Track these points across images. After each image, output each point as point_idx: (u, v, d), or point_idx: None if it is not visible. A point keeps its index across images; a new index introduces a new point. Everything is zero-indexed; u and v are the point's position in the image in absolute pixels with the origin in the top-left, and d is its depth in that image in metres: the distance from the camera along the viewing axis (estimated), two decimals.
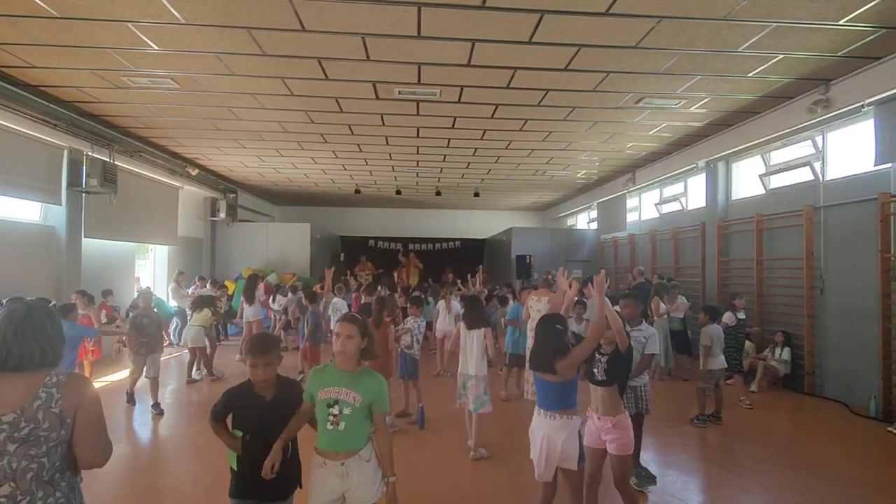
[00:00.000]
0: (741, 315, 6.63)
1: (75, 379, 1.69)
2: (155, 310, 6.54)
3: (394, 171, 11.58)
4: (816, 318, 6.82)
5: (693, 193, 10.06)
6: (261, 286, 9.83)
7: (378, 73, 5.92)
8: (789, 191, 7.52)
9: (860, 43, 5.02)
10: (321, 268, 13.90)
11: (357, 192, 13.89)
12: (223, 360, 8.46)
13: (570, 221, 17.13)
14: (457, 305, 8.10)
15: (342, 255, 15.45)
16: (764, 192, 8.07)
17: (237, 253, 13.28)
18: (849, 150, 6.66)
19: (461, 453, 4.54)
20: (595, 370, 3.18)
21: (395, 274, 14.50)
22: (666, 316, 7.57)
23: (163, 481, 4.14)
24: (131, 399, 5.99)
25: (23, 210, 7.36)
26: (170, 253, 11.37)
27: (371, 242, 16.25)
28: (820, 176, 6.96)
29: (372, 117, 7.63)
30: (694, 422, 5.46)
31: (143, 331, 5.90)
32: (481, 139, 8.87)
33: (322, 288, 8.59)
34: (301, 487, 2.42)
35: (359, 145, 9.32)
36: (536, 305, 5.77)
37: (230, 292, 11.25)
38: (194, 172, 10.66)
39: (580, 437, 2.94)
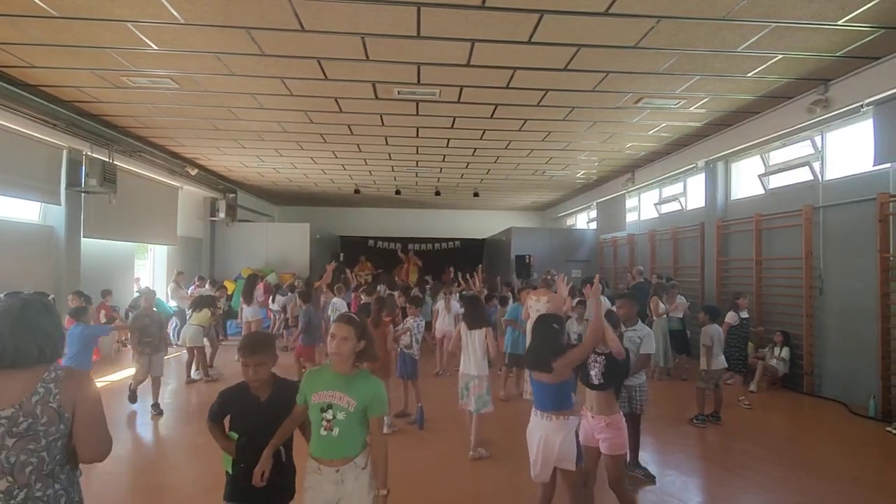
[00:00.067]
0: (744, 314, 6.57)
1: (74, 374, 1.70)
2: (154, 309, 6.53)
3: (393, 171, 11.58)
4: (815, 317, 6.82)
5: (692, 193, 10.07)
6: (260, 286, 9.83)
7: (377, 73, 5.92)
8: (788, 191, 7.52)
9: (859, 43, 5.03)
10: (320, 268, 13.93)
11: (356, 192, 13.89)
12: (223, 360, 8.46)
13: (569, 221, 17.13)
14: (456, 305, 8.10)
15: (341, 254, 15.45)
16: (763, 192, 8.08)
17: (237, 253, 13.27)
18: (848, 150, 6.67)
19: (460, 453, 4.54)
20: (592, 372, 3.17)
21: (394, 273, 14.51)
22: (665, 316, 7.56)
23: (163, 481, 4.14)
24: (133, 397, 5.93)
25: (22, 210, 7.35)
26: (169, 253, 11.37)
27: (370, 242, 16.24)
28: (819, 176, 6.97)
29: (371, 117, 7.63)
30: (693, 422, 5.46)
31: (146, 331, 5.89)
32: (481, 139, 8.87)
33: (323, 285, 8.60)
34: (295, 493, 2.36)
35: (358, 145, 9.32)
36: (536, 305, 5.76)
37: (229, 292, 11.24)
38: (194, 172, 10.65)
39: (577, 437, 2.94)
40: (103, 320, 7.83)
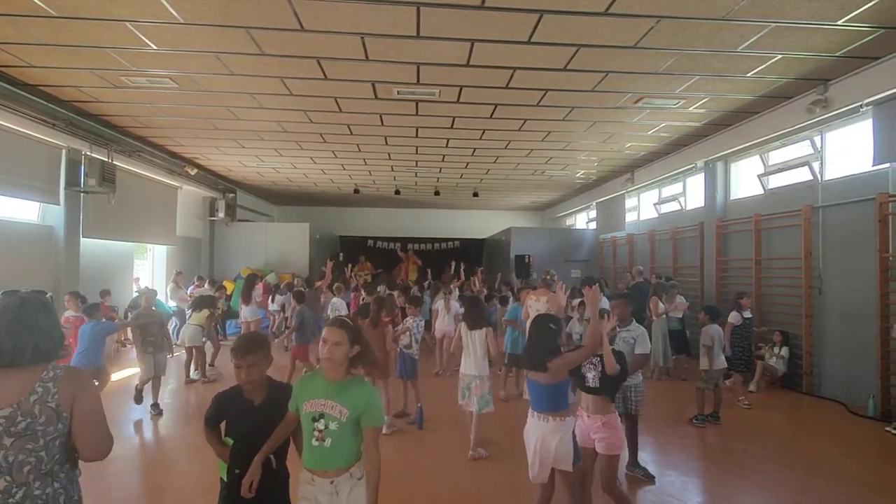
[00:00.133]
0: (747, 314, 6.52)
1: (73, 373, 1.69)
2: (153, 308, 6.53)
3: (393, 170, 11.58)
4: (815, 317, 6.83)
5: (692, 193, 10.07)
6: (259, 286, 9.82)
7: (377, 73, 5.92)
8: (788, 191, 7.53)
9: (859, 43, 5.03)
10: (320, 268, 13.93)
11: (356, 191, 13.88)
12: (222, 360, 8.45)
13: (568, 221, 17.14)
14: (456, 305, 8.11)
15: (341, 254, 15.44)
16: (762, 192, 8.08)
17: (236, 253, 13.26)
18: (847, 150, 6.67)
19: (460, 453, 4.54)
20: (588, 375, 3.16)
21: (394, 272, 14.49)
22: (664, 316, 7.56)
23: (162, 481, 4.14)
24: (139, 397, 5.87)
25: (21, 210, 7.35)
26: (168, 253, 11.36)
27: (370, 242, 16.23)
28: (818, 176, 6.98)
29: (371, 117, 7.63)
30: (693, 422, 5.47)
31: (148, 330, 5.89)
32: (480, 139, 8.87)
33: (324, 285, 8.60)
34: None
35: (358, 145, 9.32)
36: (536, 305, 5.76)
37: (229, 292, 11.24)
38: (193, 172, 10.65)
39: (574, 437, 2.93)
40: (102, 320, 7.82)
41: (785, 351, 6.98)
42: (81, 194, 7.88)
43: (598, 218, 13.80)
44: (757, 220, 7.84)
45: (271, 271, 12.46)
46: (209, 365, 7.97)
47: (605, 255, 13.67)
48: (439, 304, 8.32)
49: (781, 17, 4.49)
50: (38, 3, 4.32)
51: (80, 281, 7.73)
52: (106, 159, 7.96)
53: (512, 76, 5.98)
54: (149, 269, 11.40)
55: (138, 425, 5.50)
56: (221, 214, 12.66)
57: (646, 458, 4.46)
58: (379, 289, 8.76)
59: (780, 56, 5.34)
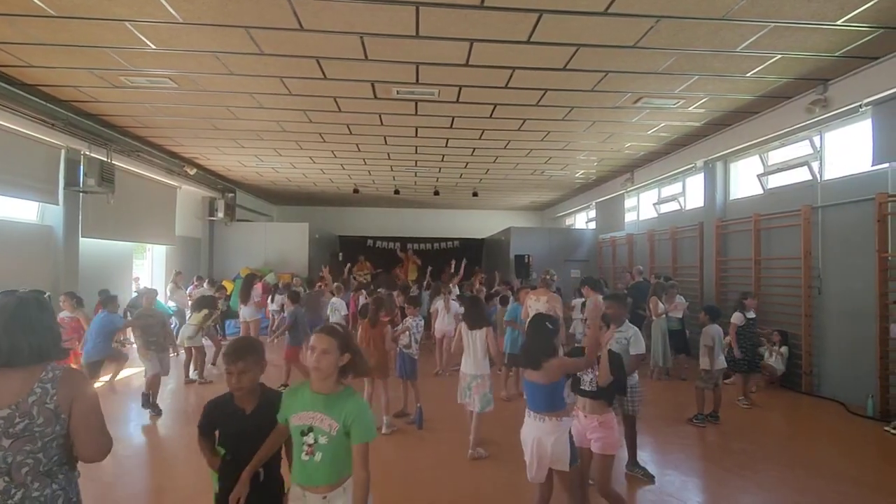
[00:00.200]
0: (751, 315, 6.40)
1: (71, 374, 1.69)
2: (154, 308, 6.52)
3: (392, 170, 11.57)
4: (814, 317, 6.83)
5: (691, 193, 10.07)
6: (258, 286, 9.82)
7: (376, 73, 5.91)
8: (787, 191, 7.53)
9: (858, 43, 5.03)
10: (319, 267, 13.92)
11: (355, 191, 13.88)
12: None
13: (568, 221, 17.14)
14: (455, 305, 8.10)
15: (340, 254, 15.44)
16: (762, 191, 8.09)
17: (235, 253, 13.25)
18: (846, 150, 6.67)
19: (460, 453, 4.53)
20: (585, 378, 3.15)
21: (393, 272, 14.48)
22: (664, 316, 7.57)
23: (161, 481, 4.14)
24: (147, 403, 5.75)
25: (20, 209, 7.33)
26: (167, 253, 11.35)
27: (369, 242, 16.22)
28: (818, 176, 6.98)
29: (370, 117, 7.62)
30: (693, 421, 5.47)
31: (150, 330, 5.88)
32: (480, 139, 8.87)
33: (323, 285, 8.60)
34: None
35: (357, 145, 9.31)
36: (535, 305, 5.77)
37: (229, 292, 11.23)
38: (192, 172, 10.63)
39: (571, 437, 2.92)
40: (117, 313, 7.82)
41: (784, 350, 6.98)
42: (80, 194, 7.87)
43: (598, 218, 13.81)
44: (756, 220, 7.85)
45: (270, 271, 12.45)
46: (211, 364, 7.97)
47: (604, 255, 13.68)
48: (439, 304, 8.32)
49: (781, 16, 4.49)
50: (37, 2, 4.31)
51: (79, 281, 7.72)
52: (105, 159, 7.95)
53: (511, 76, 5.98)
54: (148, 269, 11.39)
55: (137, 425, 5.49)
56: (220, 214, 12.65)
57: (645, 457, 4.46)
58: (380, 291, 8.76)
59: (779, 56, 5.35)
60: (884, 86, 5.43)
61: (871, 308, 5.89)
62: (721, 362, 5.62)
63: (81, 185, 7.58)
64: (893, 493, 3.94)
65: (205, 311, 7.40)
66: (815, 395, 6.72)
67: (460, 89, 6.46)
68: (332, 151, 9.83)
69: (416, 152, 9.87)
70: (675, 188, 10.64)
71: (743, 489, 3.98)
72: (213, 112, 7.42)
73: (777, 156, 7.91)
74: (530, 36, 4.92)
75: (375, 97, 6.72)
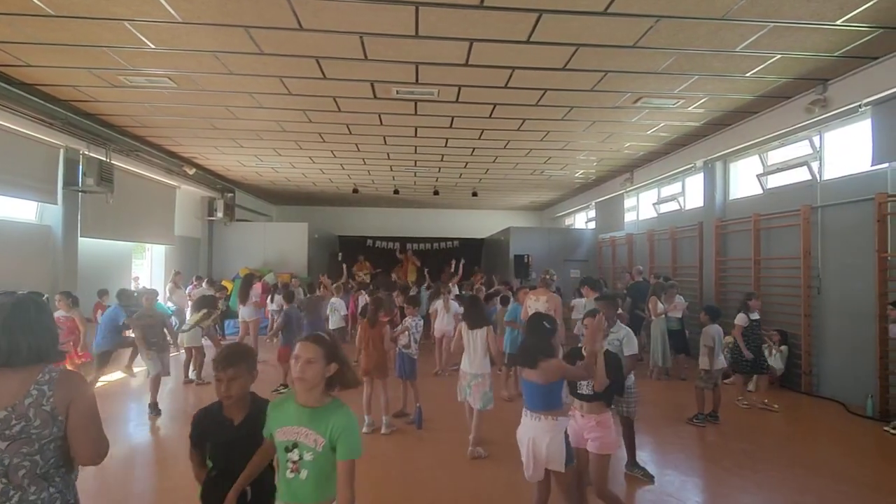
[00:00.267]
0: (755, 316, 6.22)
1: (68, 376, 1.68)
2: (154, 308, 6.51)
3: (392, 170, 11.57)
4: (813, 317, 6.84)
5: (691, 193, 10.07)
6: (257, 286, 9.81)
7: (376, 73, 5.91)
8: (787, 190, 7.53)
9: (858, 43, 5.03)
10: (319, 267, 13.91)
11: (355, 191, 13.87)
12: None
13: (567, 221, 17.14)
14: (455, 305, 8.10)
15: (340, 254, 15.44)
16: (761, 191, 8.09)
17: (235, 253, 13.24)
18: (846, 150, 6.67)
19: (459, 453, 4.53)
20: (583, 382, 3.13)
21: (393, 274, 14.48)
22: (664, 316, 7.57)
23: (161, 482, 4.13)
24: (150, 406, 5.72)
25: (19, 209, 7.32)
26: (167, 252, 11.34)
27: (369, 242, 16.22)
28: (817, 176, 6.98)
29: (370, 117, 7.62)
30: (693, 421, 5.47)
31: (150, 330, 5.87)
32: (479, 139, 8.86)
33: (324, 290, 8.59)
34: None
35: (357, 145, 9.30)
36: (535, 305, 5.77)
37: (229, 293, 11.21)
38: (191, 172, 10.62)
39: (567, 438, 2.90)
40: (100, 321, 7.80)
41: (784, 349, 6.99)
42: (79, 194, 7.86)
43: (597, 218, 13.81)
44: (756, 219, 7.85)
45: (270, 271, 12.45)
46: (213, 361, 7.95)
47: (604, 254, 13.68)
48: (438, 304, 8.32)
49: (780, 16, 4.49)
50: (36, 2, 4.30)
51: (77, 280, 7.71)
52: (104, 159, 7.94)
53: (511, 76, 5.97)
54: (147, 269, 11.38)
55: (136, 426, 5.48)
56: (220, 214, 12.63)
57: (645, 457, 4.46)
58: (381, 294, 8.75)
59: (779, 56, 5.34)
60: (883, 86, 5.43)
61: (870, 308, 5.89)
62: (721, 362, 5.61)
63: (80, 184, 7.57)
64: (893, 493, 3.94)
65: (203, 311, 7.39)
66: (814, 395, 6.73)
67: (460, 89, 6.46)
68: (332, 151, 9.82)
69: (416, 152, 9.87)
70: (674, 188, 10.64)
71: (742, 489, 3.97)
72: (212, 112, 7.42)
73: (776, 156, 7.91)
74: (530, 36, 4.92)
75: (375, 97, 6.72)
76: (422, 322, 6.12)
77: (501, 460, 4.37)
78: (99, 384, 6.66)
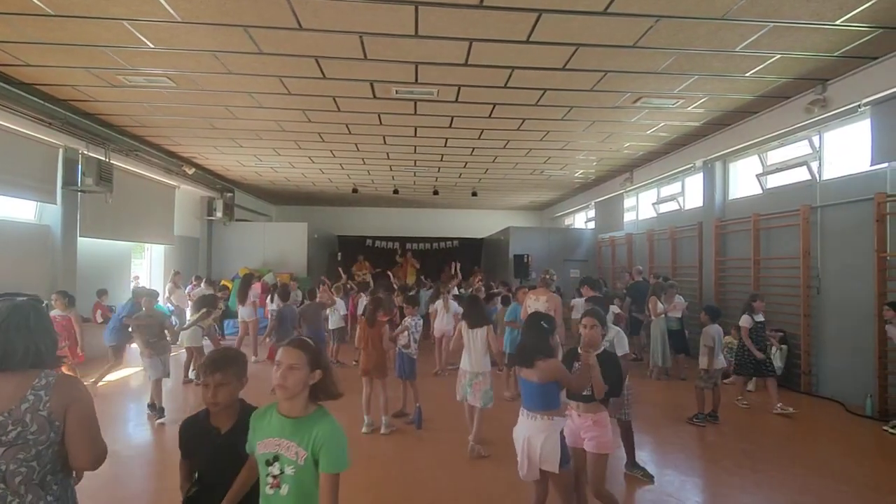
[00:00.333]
0: (759, 318, 6.13)
1: (65, 381, 1.67)
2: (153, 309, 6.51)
3: (391, 170, 11.56)
4: (813, 317, 6.84)
5: (690, 193, 10.07)
6: (257, 286, 9.80)
7: (375, 73, 5.90)
8: (786, 190, 7.54)
9: (857, 43, 5.04)
10: (318, 267, 13.90)
11: (354, 191, 13.86)
12: None
13: (567, 221, 17.14)
14: (455, 305, 8.10)
15: (339, 254, 15.43)
16: (761, 191, 8.09)
17: (234, 252, 13.22)
18: (845, 150, 6.68)
19: (459, 453, 4.53)
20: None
21: (391, 274, 14.49)
22: (663, 316, 7.57)
23: (160, 482, 4.12)
24: (158, 410, 5.64)
25: (18, 209, 7.32)
26: (166, 252, 11.34)
27: (369, 242, 16.21)
28: (817, 176, 6.98)
29: (369, 116, 7.61)
30: (693, 421, 5.47)
31: (150, 331, 5.86)
32: (479, 139, 8.86)
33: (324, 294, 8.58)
34: None
35: (356, 144, 9.30)
36: (535, 305, 5.76)
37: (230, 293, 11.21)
38: (191, 172, 10.62)
39: (563, 438, 2.86)
40: (100, 320, 7.80)
41: (784, 348, 6.99)
42: (78, 193, 7.85)
43: (597, 217, 13.81)
44: (755, 219, 7.85)
45: (269, 271, 12.43)
46: (199, 366, 7.94)
47: (603, 254, 13.68)
48: (438, 303, 8.31)
49: (780, 16, 4.49)
50: (35, 1, 4.29)
51: (76, 280, 7.70)
52: (103, 158, 7.94)
53: (510, 76, 5.97)
54: (146, 269, 11.37)
55: (134, 426, 5.47)
56: (219, 214, 12.63)
57: (645, 457, 4.46)
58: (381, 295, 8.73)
59: (778, 56, 5.35)
60: (882, 86, 5.44)
61: (869, 308, 5.89)
62: (720, 362, 5.62)
63: (79, 184, 7.57)
64: (892, 493, 3.95)
65: (203, 311, 7.38)
66: (813, 394, 6.73)
67: (459, 89, 6.45)
68: (331, 151, 9.81)
69: (415, 152, 9.87)
70: (674, 188, 10.64)
71: (742, 489, 3.98)
72: (211, 111, 7.41)
73: (776, 156, 7.91)
74: (529, 35, 4.92)
75: (374, 97, 6.71)
76: (421, 322, 6.11)
77: (502, 460, 4.37)
78: (106, 379, 6.71)
